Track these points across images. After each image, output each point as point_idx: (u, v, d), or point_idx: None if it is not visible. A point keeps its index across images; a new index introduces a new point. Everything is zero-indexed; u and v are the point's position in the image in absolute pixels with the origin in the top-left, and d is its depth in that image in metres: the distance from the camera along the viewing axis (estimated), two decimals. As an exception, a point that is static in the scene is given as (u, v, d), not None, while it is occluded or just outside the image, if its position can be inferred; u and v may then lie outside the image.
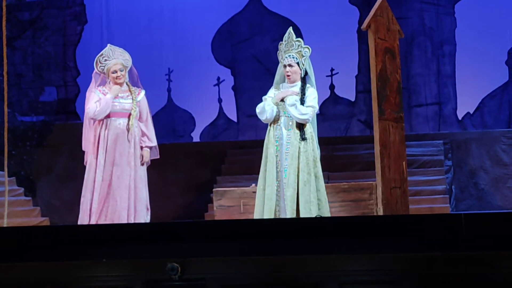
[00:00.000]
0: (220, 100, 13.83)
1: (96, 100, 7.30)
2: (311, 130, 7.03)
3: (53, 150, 12.45)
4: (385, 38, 7.22)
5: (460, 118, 12.82)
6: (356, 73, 13.20)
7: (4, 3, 7.63)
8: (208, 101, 13.74)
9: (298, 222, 5.41)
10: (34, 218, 10.72)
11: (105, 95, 7.31)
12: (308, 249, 4.68)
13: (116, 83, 7.36)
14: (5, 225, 7.43)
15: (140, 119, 7.43)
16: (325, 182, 10.31)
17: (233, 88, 13.80)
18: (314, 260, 4.62)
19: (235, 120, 13.77)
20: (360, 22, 12.62)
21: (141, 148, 7.40)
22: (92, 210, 7.22)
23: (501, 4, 12.63)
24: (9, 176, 7.87)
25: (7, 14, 7.67)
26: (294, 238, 4.74)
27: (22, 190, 11.35)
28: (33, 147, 12.44)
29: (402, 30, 7.55)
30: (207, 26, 13.69)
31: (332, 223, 5.01)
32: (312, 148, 6.97)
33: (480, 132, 12.19)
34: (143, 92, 7.51)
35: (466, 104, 12.80)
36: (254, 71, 13.66)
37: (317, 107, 7.12)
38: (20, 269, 4.65)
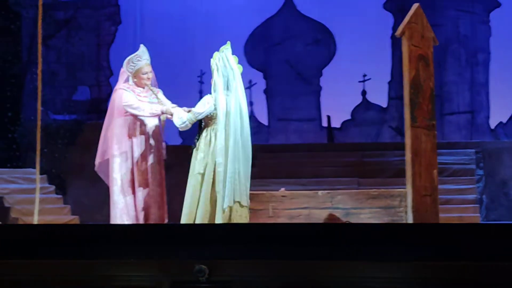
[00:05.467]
0: (251, 103, 13.84)
1: (133, 101, 7.28)
2: None
3: (84, 148, 12.51)
4: (419, 45, 7.17)
5: (492, 127, 12.72)
6: (389, 79, 13.15)
7: (40, 2, 7.69)
8: (239, 104, 13.75)
9: (326, 227, 5.40)
10: (64, 216, 10.80)
11: (140, 96, 7.31)
12: (335, 255, 4.66)
13: (144, 84, 7.36)
14: (35, 222, 7.49)
15: None
16: (354, 188, 10.34)
17: (265, 91, 13.81)
18: (341, 266, 4.61)
19: (266, 123, 13.78)
20: (394, 28, 12.58)
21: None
22: (137, 211, 7.28)
23: (537, 13, 12.53)
24: (40, 174, 7.94)
25: (42, 13, 7.73)
26: (322, 243, 4.73)
27: (53, 187, 11.43)
28: (65, 146, 12.52)
29: (436, 37, 7.50)
30: (241, 29, 13.71)
31: (361, 230, 4.99)
32: None
33: (512, 141, 12.09)
34: (161, 92, 7.53)
35: (499, 113, 12.70)
36: (286, 75, 13.67)
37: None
38: (49, 267, 4.68)
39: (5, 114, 12.46)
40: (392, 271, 4.58)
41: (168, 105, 7.34)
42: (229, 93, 7.03)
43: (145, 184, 7.26)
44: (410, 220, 6.92)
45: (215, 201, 6.89)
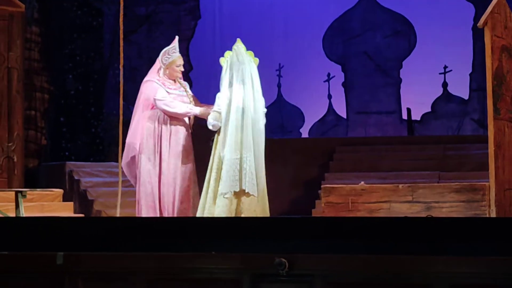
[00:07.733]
0: (329, 96, 13.79)
1: (165, 96, 7.32)
2: None
3: (164, 142, 12.67)
4: (502, 36, 7.05)
5: None
6: (470, 71, 12.92)
7: (122, -2, 7.81)
8: (317, 97, 13.73)
9: (407, 222, 5.35)
10: (145, 209, 10.94)
11: (170, 89, 7.36)
12: (417, 249, 4.62)
13: (175, 77, 7.44)
14: (118, 215, 7.63)
15: None
16: (435, 182, 10.17)
17: (343, 84, 13.74)
18: (424, 261, 4.56)
19: (345, 116, 13.70)
20: (476, 18, 12.35)
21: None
22: (162, 207, 7.36)
23: None
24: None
25: (124, 9, 7.86)
26: (404, 237, 4.69)
27: (134, 181, 11.61)
28: (146, 139, 12.68)
29: (519, 28, 7.35)
30: (319, 22, 13.67)
31: (443, 224, 4.93)
32: None
33: None
34: (187, 85, 7.59)
35: None
36: (364, 68, 13.56)
37: None
38: (131, 259, 4.76)
39: (88, 109, 12.71)
40: (474, 266, 4.51)
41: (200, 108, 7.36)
42: (236, 88, 7.09)
43: (172, 179, 7.28)
44: (493, 214, 6.82)
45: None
